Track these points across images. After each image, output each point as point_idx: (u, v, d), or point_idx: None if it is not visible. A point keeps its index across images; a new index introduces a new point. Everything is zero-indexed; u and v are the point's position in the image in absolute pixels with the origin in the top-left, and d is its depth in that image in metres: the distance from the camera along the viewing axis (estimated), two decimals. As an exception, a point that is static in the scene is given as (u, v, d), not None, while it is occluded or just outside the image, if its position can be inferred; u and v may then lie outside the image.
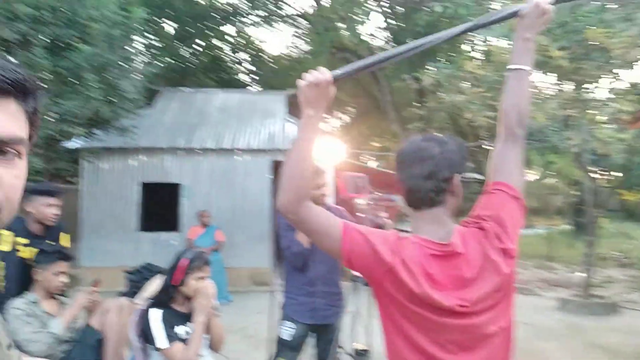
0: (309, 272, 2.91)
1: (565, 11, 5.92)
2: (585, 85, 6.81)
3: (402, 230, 1.37)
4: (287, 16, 17.30)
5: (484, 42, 8.43)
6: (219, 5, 16.50)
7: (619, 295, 8.11)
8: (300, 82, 1.28)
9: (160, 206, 9.19)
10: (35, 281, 2.84)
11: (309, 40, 16.81)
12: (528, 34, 1.39)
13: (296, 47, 19.06)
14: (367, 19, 14.35)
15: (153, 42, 15.09)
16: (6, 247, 2.87)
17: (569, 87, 6.95)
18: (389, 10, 14.46)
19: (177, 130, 9.33)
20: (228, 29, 18.05)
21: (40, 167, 6.60)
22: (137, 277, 5.36)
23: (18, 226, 2.97)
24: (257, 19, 17.59)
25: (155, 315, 2.40)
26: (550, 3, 1.38)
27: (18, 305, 2.69)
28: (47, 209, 3.00)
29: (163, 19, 15.25)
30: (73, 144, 7.96)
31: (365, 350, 3.11)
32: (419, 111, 10.30)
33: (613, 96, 6.81)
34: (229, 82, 17.89)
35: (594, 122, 6.84)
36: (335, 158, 8.03)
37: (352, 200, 3.04)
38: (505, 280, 1.24)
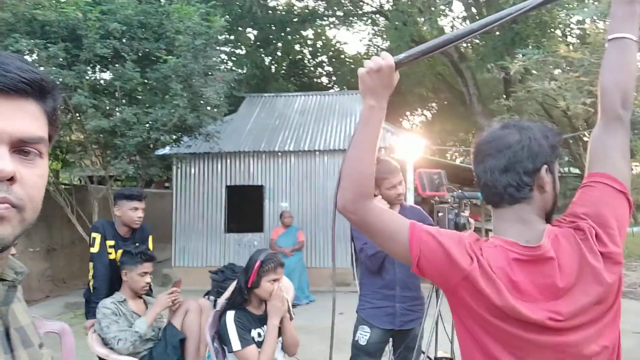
0: (386, 275, 2.77)
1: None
2: None
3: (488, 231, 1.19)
4: (365, 14, 17.16)
5: (578, 23, 7.71)
6: (297, 9, 16.76)
7: None
8: (361, 70, 1.16)
9: (245, 208, 9.49)
10: (123, 281, 2.98)
11: (387, 36, 16.51)
12: None
13: (375, 45, 18.84)
14: (450, 9, 13.78)
15: (235, 50, 15.68)
16: (95, 249, 3.04)
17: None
18: (471, -1, 13.79)
19: (260, 134, 9.57)
20: (307, 32, 18.29)
21: (134, 173, 7.06)
22: (221, 277, 5.56)
23: (107, 229, 3.15)
24: (335, 20, 17.66)
25: (230, 318, 2.39)
26: None
27: (107, 304, 2.83)
28: (133, 212, 3.15)
29: (244, 27, 15.76)
30: (163, 150, 8.44)
31: (448, 359, 2.90)
32: (507, 102, 9.66)
33: None
34: (309, 85, 18.14)
35: None
36: (415, 155, 7.78)
37: (430, 198, 2.85)
38: (609, 291, 1.02)
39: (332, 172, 8.76)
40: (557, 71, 6.98)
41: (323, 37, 19.46)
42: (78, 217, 7.67)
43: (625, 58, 1.16)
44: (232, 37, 14.93)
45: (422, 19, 12.55)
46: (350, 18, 17.48)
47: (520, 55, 7.55)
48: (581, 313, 1.01)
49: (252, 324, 2.44)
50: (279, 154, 9.03)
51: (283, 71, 18.75)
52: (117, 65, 6.32)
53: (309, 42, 19.29)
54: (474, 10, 13.52)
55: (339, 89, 18.13)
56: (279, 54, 17.93)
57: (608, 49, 1.19)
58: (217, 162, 9.15)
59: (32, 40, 5.71)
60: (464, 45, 14.29)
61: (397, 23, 12.85)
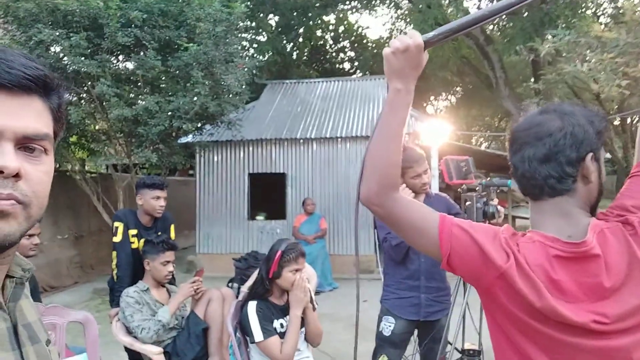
0: (410, 265, 2.70)
1: None
2: None
3: (518, 218, 1.09)
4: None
5: (612, 2, 7.36)
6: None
7: None
8: (386, 50, 1.06)
9: (267, 195, 9.48)
10: (146, 270, 2.98)
11: (410, 19, 16.16)
12: None
13: (398, 29, 18.48)
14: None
15: (256, 37, 15.57)
16: (118, 238, 3.05)
17: None
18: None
19: (281, 122, 9.52)
20: (329, 18, 18.04)
21: (157, 161, 7.10)
22: (244, 265, 5.55)
23: (130, 218, 3.15)
24: (357, 4, 17.36)
25: (252, 308, 2.36)
26: None
27: (130, 293, 2.84)
28: (155, 201, 3.14)
29: (265, 13, 15.63)
30: (186, 139, 8.47)
31: (476, 351, 2.82)
32: (536, 85, 9.33)
33: None
34: (332, 71, 17.94)
35: None
36: (440, 142, 7.61)
37: (456, 187, 2.74)
38: None
39: (354, 159, 8.66)
40: (589, 52, 6.69)
41: (345, 22, 19.19)
42: (104, 205, 7.79)
43: None
44: (253, 24, 14.83)
45: (447, 1, 12.23)
46: (373, 2, 17.16)
47: (550, 37, 7.27)
48: (630, 316, 0.92)
49: (274, 314, 2.41)
50: (301, 141, 8.97)
51: (305, 57, 18.59)
52: (140, 54, 6.32)
53: (330, 27, 19.05)
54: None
55: (361, 74, 17.90)
56: (300, 40, 17.77)
57: None
58: (240, 150, 9.15)
59: (55, 31, 5.74)
60: (490, 27, 13.88)
61: (420, 6, 12.54)
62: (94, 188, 7.82)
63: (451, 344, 2.82)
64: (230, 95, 7.48)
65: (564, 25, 8.55)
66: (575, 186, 1.01)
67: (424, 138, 7.37)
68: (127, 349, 2.91)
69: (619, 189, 1.10)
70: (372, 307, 2.85)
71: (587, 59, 6.53)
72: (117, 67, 6.76)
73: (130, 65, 6.91)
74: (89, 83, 6.39)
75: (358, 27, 19.68)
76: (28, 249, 2.55)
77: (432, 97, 22.19)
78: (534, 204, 1.06)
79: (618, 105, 10.39)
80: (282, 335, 2.36)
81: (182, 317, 3.01)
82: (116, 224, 3.08)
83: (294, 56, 17.79)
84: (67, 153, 7.45)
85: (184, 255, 9.19)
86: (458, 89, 22.13)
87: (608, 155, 13.01)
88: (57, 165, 7.95)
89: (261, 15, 15.35)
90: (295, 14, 16.05)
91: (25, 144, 0.64)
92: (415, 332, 2.84)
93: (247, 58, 8.78)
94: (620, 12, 6.41)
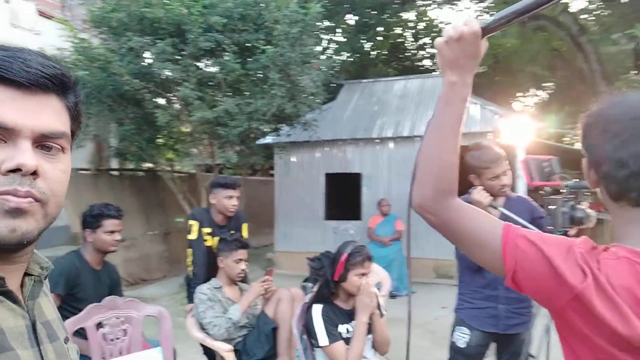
0: (488, 274, 2.50)
1: None
2: None
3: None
4: (470, -10, 16.13)
5: None
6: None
7: None
8: (438, 40, 0.96)
9: (342, 195, 9.46)
10: (219, 268, 3.05)
11: (495, 12, 15.38)
12: None
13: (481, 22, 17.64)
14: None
15: (333, 37, 15.61)
16: (193, 236, 3.15)
17: None
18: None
19: (358, 121, 9.45)
20: (408, 15, 17.66)
21: (237, 162, 7.34)
22: (317, 264, 5.55)
23: (204, 216, 3.25)
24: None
25: (317, 312, 2.32)
26: None
27: (203, 290, 2.92)
28: (227, 200, 3.21)
29: (343, 13, 15.62)
30: (265, 140, 8.68)
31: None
32: (638, 77, 8.46)
33: None
34: (411, 69, 17.54)
35: None
36: (526, 140, 7.13)
37: (539, 189, 2.51)
38: None
39: (433, 159, 8.39)
40: None
41: (425, 18, 18.68)
42: (189, 203, 8.20)
43: None
44: (331, 24, 14.88)
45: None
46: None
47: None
48: None
49: (340, 318, 2.35)
50: (377, 141, 8.84)
51: (383, 56, 18.35)
52: (220, 58, 6.56)
53: (410, 24, 18.64)
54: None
55: (443, 72, 17.31)
56: (378, 38, 17.56)
57: None
58: (316, 151, 9.21)
59: (143, 38, 6.11)
60: (585, 15, 12.81)
61: (506, -3, 11.88)
62: (180, 187, 8.25)
63: (534, 358, 2.60)
64: (306, 96, 7.54)
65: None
66: None
67: (509, 136, 6.95)
68: (202, 344, 3.00)
69: None
70: (452, 313, 2.71)
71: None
72: (199, 71, 7.07)
73: (211, 69, 7.19)
74: (174, 87, 6.74)
75: (439, 23, 19.09)
76: (109, 244, 2.68)
77: (518, 93, 20.97)
78: (622, 211, 0.90)
79: None
80: (347, 340, 2.30)
81: (254, 316, 3.04)
82: (190, 222, 3.19)
83: (372, 55, 17.62)
84: (157, 154, 7.93)
85: (263, 252, 9.44)
86: (549, 84, 20.71)
87: None
88: (150, 165, 8.52)
89: (339, 15, 15.38)
90: (373, 12, 15.89)
91: (42, 142, 0.64)
92: (492, 346, 2.65)
93: (325, 57, 8.80)
94: None
